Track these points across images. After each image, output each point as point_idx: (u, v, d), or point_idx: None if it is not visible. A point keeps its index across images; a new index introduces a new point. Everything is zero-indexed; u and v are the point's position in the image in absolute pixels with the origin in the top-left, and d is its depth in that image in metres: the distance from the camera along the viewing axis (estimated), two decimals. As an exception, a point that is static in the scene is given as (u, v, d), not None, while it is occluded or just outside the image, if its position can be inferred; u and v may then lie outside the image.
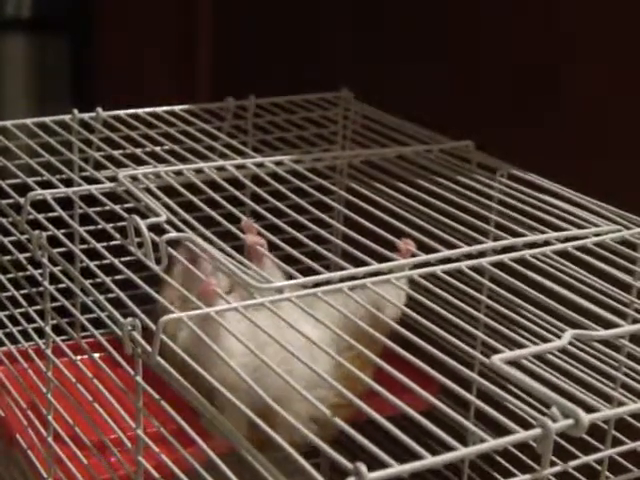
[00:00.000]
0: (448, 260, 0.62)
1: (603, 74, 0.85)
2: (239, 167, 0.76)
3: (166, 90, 1.40)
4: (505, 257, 0.62)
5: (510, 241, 0.65)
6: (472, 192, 0.73)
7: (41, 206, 0.71)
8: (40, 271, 0.69)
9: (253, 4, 1.32)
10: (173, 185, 0.72)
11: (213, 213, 0.67)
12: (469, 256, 0.62)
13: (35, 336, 0.73)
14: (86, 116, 0.87)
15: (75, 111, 0.87)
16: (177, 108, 0.90)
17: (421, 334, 0.53)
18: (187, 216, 0.66)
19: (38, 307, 0.72)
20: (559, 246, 0.64)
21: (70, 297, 0.71)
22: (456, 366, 0.49)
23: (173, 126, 0.85)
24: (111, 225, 0.69)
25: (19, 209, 0.71)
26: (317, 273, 0.59)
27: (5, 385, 0.77)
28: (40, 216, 0.70)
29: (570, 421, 0.43)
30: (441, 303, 0.57)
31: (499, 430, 0.44)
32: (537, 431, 0.43)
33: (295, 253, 0.62)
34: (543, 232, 0.66)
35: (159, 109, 0.89)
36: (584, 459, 0.55)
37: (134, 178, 0.73)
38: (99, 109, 0.87)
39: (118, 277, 0.64)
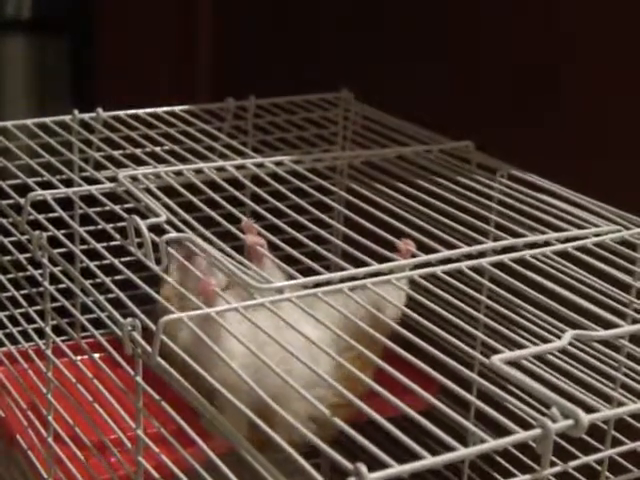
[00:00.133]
0: (448, 260, 0.62)
1: (603, 74, 0.85)
2: (239, 167, 0.76)
3: (166, 90, 1.40)
4: (505, 257, 0.62)
5: (510, 241, 0.65)
6: (472, 192, 0.73)
7: (41, 206, 0.71)
8: (40, 271, 0.69)
9: (253, 4, 1.32)
10: (173, 185, 0.72)
11: (213, 213, 0.67)
12: (469, 256, 0.62)
13: (35, 336, 0.73)
14: (86, 116, 0.87)
15: (75, 111, 0.87)
16: (177, 108, 0.90)
17: (421, 334, 0.53)
18: (187, 216, 0.66)
19: (38, 307, 0.72)
20: (559, 246, 0.64)
21: (70, 297, 0.71)
22: (456, 366, 0.49)
23: (173, 126, 0.86)
24: (111, 225, 0.69)
25: (19, 209, 0.71)
26: (317, 273, 0.59)
27: (5, 385, 0.77)
28: (40, 216, 0.70)
29: (570, 421, 0.44)
30: (441, 303, 0.57)
31: (499, 430, 0.44)
32: (537, 431, 0.43)
33: (295, 253, 0.62)
34: (543, 232, 0.66)
35: (159, 109, 0.89)
36: (584, 459, 0.55)
37: (134, 178, 0.73)
38: (99, 109, 0.87)
39: (118, 277, 0.64)
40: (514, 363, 0.49)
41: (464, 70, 0.98)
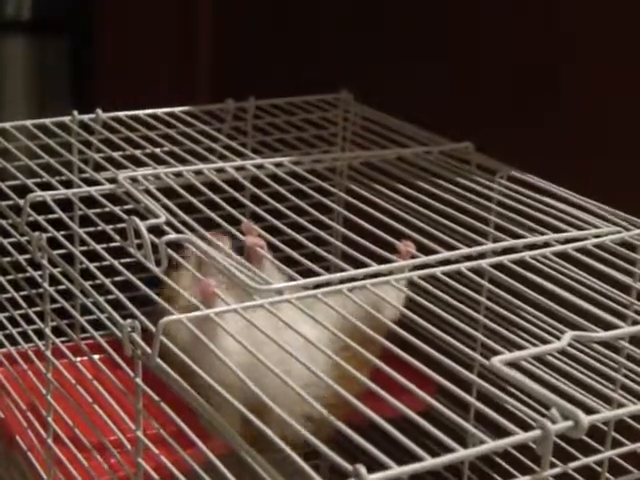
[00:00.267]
0: (448, 262, 0.62)
1: (603, 74, 0.85)
2: (239, 169, 0.76)
3: (166, 90, 1.40)
4: (505, 258, 0.62)
5: (510, 242, 0.65)
6: (472, 194, 0.73)
7: (41, 208, 0.71)
8: (40, 273, 0.69)
9: (253, 4, 1.32)
10: (173, 187, 0.72)
11: (213, 215, 0.67)
12: (469, 258, 0.62)
13: (35, 337, 0.73)
14: (86, 117, 0.87)
15: (75, 112, 0.87)
16: (177, 110, 0.90)
17: (421, 336, 0.53)
18: (187, 217, 0.66)
19: (38, 309, 0.72)
20: (559, 247, 0.64)
21: (70, 299, 0.71)
22: (456, 367, 0.49)
23: (173, 128, 0.86)
24: (111, 227, 0.69)
25: (19, 211, 0.71)
26: (317, 275, 0.59)
27: (5, 387, 0.78)
28: (40, 218, 0.70)
29: (570, 423, 0.44)
30: (441, 305, 0.57)
31: (499, 432, 0.44)
32: (537, 433, 0.43)
33: (295, 255, 0.62)
34: (543, 234, 0.66)
35: (159, 111, 0.89)
36: (584, 461, 0.55)
37: (134, 180, 0.73)
38: (99, 110, 0.87)
39: (118, 279, 0.64)
40: (514, 364, 0.49)
41: (464, 70, 0.98)
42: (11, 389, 0.76)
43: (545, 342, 0.53)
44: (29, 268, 0.73)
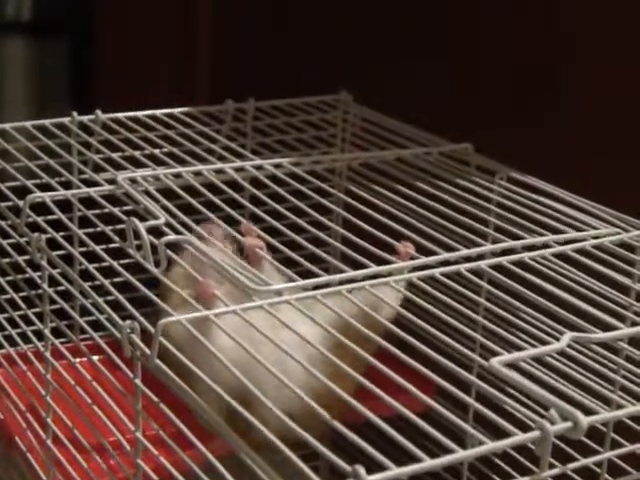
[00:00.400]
0: (447, 263, 0.62)
1: (603, 74, 0.85)
2: (238, 170, 0.76)
3: (166, 90, 1.40)
4: (504, 260, 0.62)
5: (509, 244, 0.65)
6: (471, 195, 0.73)
7: (40, 209, 0.71)
8: (39, 273, 0.69)
9: (253, 4, 1.32)
10: (172, 188, 0.72)
11: (212, 216, 0.67)
12: (468, 259, 0.62)
13: (34, 338, 0.73)
14: (85, 119, 0.87)
15: (74, 114, 0.87)
16: (176, 111, 0.90)
17: (420, 337, 0.53)
18: (186, 219, 0.66)
19: (37, 310, 0.72)
20: (558, 249, 0.64)
21: (69, 299, 0.71)
22: (455, 368, 0.49)
23: (172, 129, 0.86)
24: (110, 228, 0.69)
25: (18, 212, 0.71)
26: (316, 276, 0.59)
27: (4, 387, 0.78)
28: (39, 219, 0.70)
29: (569, 424, 0.43)
30: (440, 306, 0.57)
31: (498, 432, 0.44)
32: (536, 434, 0.43)
33: (294, 256, 0.62)
34: (542, 235, 0.66)
35: (158, 112, 0.89)
36: (583, 462, 0.55)
37: (133, 181, 0.73)
38: (98, 111, 0.87)
39: (117, 280, 0.64)
40: (513, 365, 0.49)
41: (464, 70, 0.98)
42: (10, 390, 0.76)
43: (544, 343, 0.53)
44: (28, 269, 0.73)
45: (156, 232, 0.63)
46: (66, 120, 0.87)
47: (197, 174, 0.75)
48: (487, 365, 0.48)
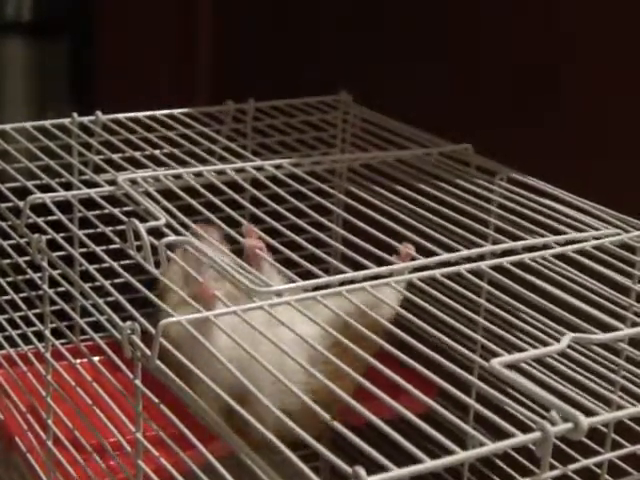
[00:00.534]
0: (447, 263, 0.62)
1: (603, 74, 0.85)
2: (238, 170, 0.76)
3: (166, 90, 1.40)
4: (504, 260, 0.62)
5: (509, 244, 0.65)
6: (471, 195, 0.73)
7: (40, 210, 0.71)
8: (39, 275, 0.69)
9: (253, 4, 1.32)
10: (172, 189, 0.72)
11: (212, 217, 0.67)
12: (468, 259, 0.62)
13: (34, 339, 0.73)
14: (85, 119, 0.87)
15: (74, 114, 0.87)
16: (176, 111, 0.90)
17: (420, 337, 0.53)
18: (186, 220, 0.66)
19: (37, 310, 0.72)
20: (558, 249, 0.64)
21: (69, 301, 0.71)
22: (455, 369, 0.49)
23: (172, 129, 0.85)
24: (110, 229, 0.69)
25: (18, 213, 0.71)
26: (316, 276, 0.59)
27: (4, 388, 0.78)
28: (39, 220, 0.70)
29: (569, 425, 0.43)
30: (440, 306, 0.57)
31: (498, 434, 0.44)
32: (536, 435, 0.43)
33: (294, 256, 0.62)
34: (542, 235, 0.66)
35: (158, 113, 0.89)
36: (584, 462, 0.55)
37: (133, 182, 0.73)
38: (98, 112, 0.87)
39: (117, 281, 0.64)
40: (513, 366, 0.49)
41: (464, 70, 0.98)
42: (11, 391, 0.76)
43: (544, 344, 0.53)
44: (29, 270, 0.73)
45: (156, 233, 0.63)
46: (66, 121, 0.87)
47: (197, 175, 0.75)
48: (487, 366, 0.48)
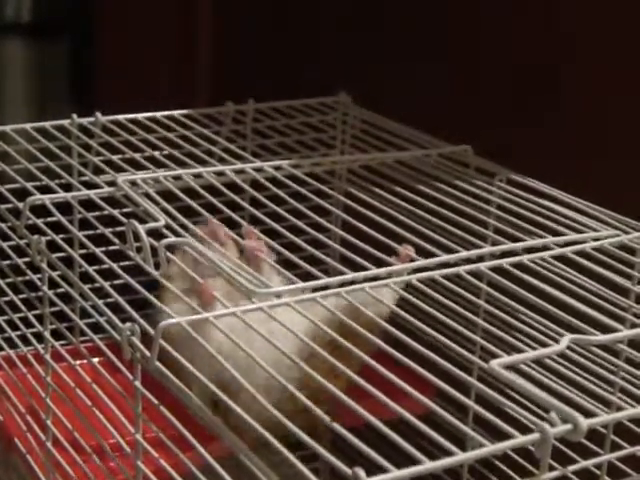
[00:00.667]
0: (447, 265, 0.62)
1: (603, 74, 0.85)
2: (238, 172, 0.76)
3: (166, 90, 1.40)
4: (504, 262, 0.62)
5: (509, 246, 0.65)
6: (471, 197, 0.73)
7: (40, 211, 0.71)
8: (39, 276, 0.69)
9: (253, 4, 1.32)
10: (172, 190, 0.72)
11: (212, 218, 0.67)
12: (468, 261, 0.62)
13: (34, 341, 0.73)
14: (85, 121, 0.87)
15: (74, 116, 0.87)
16: (176, 113, 0.90)
17: (419, 338, 0.53)
18: (186, 221, 0.66)
19: (37, 312, 0.72)
20: (558, 251, 0.64)
21: (69, 302, 0.71)
22: (455, 371, 0.49)
23: (172, 131, 0.86)
24: (110, 230, 0.69)
25: (18, 214, 0.71)
26: (315, 278, 0.59)
27: (4, 390, 0.78)
28: (39, 221, 0.70)
29: (569, 426, 0.43)
30: (439, 307, 0.57)
31: (498, 435, 0.44)
32: (535, 436, 0.43)
33: (294, 258, 0.62)
34: (542, 237, 0.66)
35: (158, 114, 0.89)
36: (583, 464, 0.55)
37: (133, 183, 0.73)
38: (98, 114, 0.87)
39: (117, 282, 0.64)
40: (513, 367, 0.49)
41: (464, 70, 0.98)
42: (10, 392, 0.76)
43: (544, 345, 0.53)
44: (28, 271, 0.73)
45: (156, 234, 0.63)
46: (66, 122, 0.87)
47: (197, 176, 0.75)
48: (487, 367, 0.48)
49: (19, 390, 0.75)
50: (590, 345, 0.54)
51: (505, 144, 0.86)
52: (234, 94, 0.94)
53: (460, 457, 0.42)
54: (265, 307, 0.56)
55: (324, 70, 1.15)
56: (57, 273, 0.68)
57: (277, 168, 0.77)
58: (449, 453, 0.42)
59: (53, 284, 0.69)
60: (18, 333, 0.77)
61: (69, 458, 0.67)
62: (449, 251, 0.63)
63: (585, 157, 0.87)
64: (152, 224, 0.64)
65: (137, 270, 0.63)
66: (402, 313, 0.58)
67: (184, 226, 0.65)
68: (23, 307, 0.75)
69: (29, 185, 0.75)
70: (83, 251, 0.73)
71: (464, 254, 0.63)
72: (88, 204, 0.73)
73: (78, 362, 0.69)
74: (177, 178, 0.75)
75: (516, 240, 0.66)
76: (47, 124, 0.86)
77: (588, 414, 0.45)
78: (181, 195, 0.71)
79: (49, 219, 0.71)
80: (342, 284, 0.59)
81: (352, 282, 0.59)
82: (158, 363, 0.54)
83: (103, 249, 0.67)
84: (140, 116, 0.88)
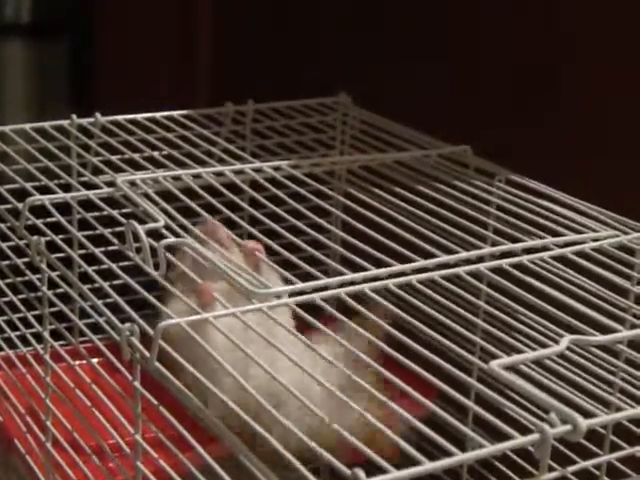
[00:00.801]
0: (446, 265, 0.62)
1: (603, 74, 0.85)
2: (237, 172, 0.76)
3: (166, 90, 1.40)
4: (503, 262, 0.62)
5: (508, 246, 0.65)
6: (470, 197, 0.73)
7: (39, 211, 0.71)
8: (38, 276, 0.69)
9: (253, 4, 1.32)
10: (171, 190, 0.72)
11: (211, 218, 0.67)
12: (467, 261, 0.62)
13: (33, 341, 0.73)
14: (84, 121, 0.87)
15: (73, 116, 0.87)
16: (175, 113, 0.90)
17: (419, 340, 0.53)
18: (185, 221, 0.66)
19: (36, 312, 0.72)
20: (557, 251, 0.64)
21: (68, 302, 0.71)
22: (454, 371, 0.49)
23: (171, 131, 0.86)
24: (109, 230, 0.69)
25: (17, 214, 0.71)
26: (315, 278, 0.59)
27: (3, 390, 0.77)
28: (38, 221, 0.70)
29: (568, 426, 0.44)
30: (439, 308, 0.57)
31: (498, 435, 0.44)
32: (535, 436, 0.43)
33: (293, 258, 0.62)
34: (541, 237, 0.66)
35: (157, 114, 0.89)
36: (582, 464, 0.55)
37: (132, 183, 0.73)
38: (97, 114, 0.87)
39: (116, 282, 0.64)
40: (512, 368, 0.49)
41: (464, 70, 0.98)
42: (10, 393, 0.76)
43: (544, 346, 0.53)
44: (28, 272, 0.73)
45: (155, 235, 0.63)
46: (65, 122, 0.87)
47: (196, 177, 0.75)
48: (487, 368, 0.48)
49: (19, 391, 0.75)
50: (589, 346, 0.54)
51: (505, 144, 0.86)
52: (234, 95, 0.94)
53: (460, 458, 0.42)
54: (264, 308, 0.56)
55: (324, 70, 1.15)
56: (56, 273, 0.68)
57: (276, 169, 0.77)
58: (449, 454, 0.42)
59: (52, 284, 0.69)
60: (17, 333, 0.76)
61: (69, 459, 0.67)
62: (449, 252, 0.63)
63: (585, 157, 0.87)
64: (151, 224, 0.64)
65: (136, 270, 0.63)
66: (402, 314, 0.58)
67: (183, 226, 0.65)
68: (22, 307, 0.75)
69: (28, 185, 0.75)
70: (82, 251, 0.73)
71: (464, 255, 0.63)
72: (87, 204, 0.73)
73: (77, 362, 0.69)
74: (176, 178, 0.75)
75: (515, 241, 0.66)
76: (46, 124, 0.86)
77: (587, 415, 0.45)
78: (180, 195, 0.71)
79: (48, 219, 0.71)
80: (342, 284, 0.59)
81: (352, 283, 0.59)
82: (158, 363, 0.54)
83: (102, 249, 0.67)
84: (139, 116, 0.88)
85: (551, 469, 0.47)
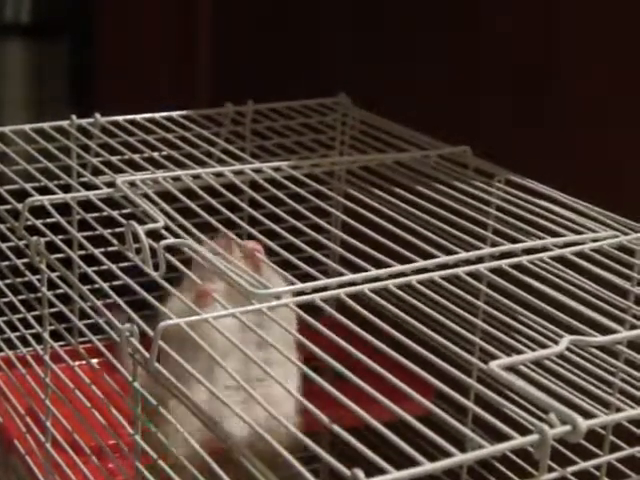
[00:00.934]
0: (446, 266, 0.62)
1: (603, 74, 0.85)
2: (237, 173, 0.76)
3: (166, 90, 1.40)
4: (503, 263, 0.62)
5: (507, 247, 0.65)
6: (470, 198, 0.73)
7: (39, 212, 0.71)
8: (38, 277, 0.69)
9: (253, 4, 1.32)
10: (171, 191, 0.72)
11: (211, 219, 0.67)
12: (467, 262, 0.62)
13: (33, 342, 0.72)
14: (84, 122, 0.87)
15: (73, 117, 0.87)
16: (175, 114, 0.90)
17: (419, 340, 0.53)
18: (185, 222, 0.66)
19: (36, 313, 0.72)
20: (557, 252, 0.64)
21: (68, 303, 0.71)
22: (454, 372, 0.49)
23: (171, 132, 0.86)
24: (109, 231, 0.68)
25: (17, 215, 0.71)
26: (315, 279, 0.59)
27: (3, 391, 0.77)
28: (38, 222, 0.70)
29: (567, 427, 0.43)
30: (439, 309, 0.57)
31: (497, 436, 0.44)
32: (534, 437, 0.43)
33: (293, 259, 0.62)
34: (540, 238, 0.66)
35: (157, 115, 0.89)
36: (582, 465, 0.55)
37: (132, 184, 0.73)
38: (97, 115, 0.87)
39: (116, 283, 0.64)
40: (512, 368, 0.49)
41: (464, 70, 0.98)
42: (9, 393, 0.76)
43: (543, 346, 0.53)
44: (27, 272, 0.73)
45: (155, 235, 0.63)
46: (65, 123, 0.87)
47: (196, 177, 0.75)
48: (486, 368, 0.48)
49: (18, 391, 0.75)
50: (589, 346, 0.54)
51: (505, 144, 0.86)
52: (234, 95, 0.94)
53: (459, 458, 0.42)
54: (264, 308, 0.56)
55: (324, 70, 1.15)
56: (56, 274, 0.68)
57: (276, 169, 0.77)
58: (448, 454, 0.42)
59: (52, 285, 0.69)
60: (17, 334, 0.76)
61: (68, 459, 0.67)
62: (448, 252, 0.63)
63: (585, 157, 0.87)
64: (151, 225, 0.64)
65: (136, 271, 0.63)
66: (401, 314, 0.58)
67: (183, 227, 0.65)
68: (22, 308, 0.75)
69: (28, 186, 0.75)
70: (82, 252, 0.73)
71: (463, 255, 0.63)
72: (87, 205, 0.73)
73: (77, 363, 0.69)
74: (176, 179, 0.75)
75: (515, 241, 0.66)
76: (46, 125, 0.86)
77: (587, 415, 0.45)
78: (180, 196, 0.71)
79: (48, 220, 0.71)
80: (341, 285, 0.59)
81: (351, 283, 0.59)
82: (157, 364, 0.54)
83: (102, 250, 0.67)
84: (139, 117, 0.88)
85: (551, 470, 0.47)
